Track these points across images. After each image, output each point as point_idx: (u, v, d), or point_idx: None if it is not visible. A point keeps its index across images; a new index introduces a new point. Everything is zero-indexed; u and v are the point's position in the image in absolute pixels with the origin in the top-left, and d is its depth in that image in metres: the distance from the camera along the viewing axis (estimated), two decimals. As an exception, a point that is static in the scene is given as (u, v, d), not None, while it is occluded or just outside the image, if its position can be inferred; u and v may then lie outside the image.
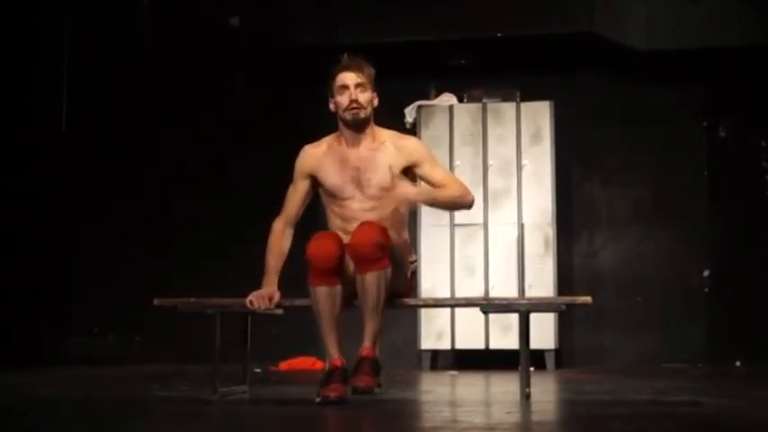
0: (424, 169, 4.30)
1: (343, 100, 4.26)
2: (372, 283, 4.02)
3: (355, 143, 4.30)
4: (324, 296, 4.08)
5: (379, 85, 4.37)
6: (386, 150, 4.29)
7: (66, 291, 8.00)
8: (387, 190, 4.27)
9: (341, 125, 4.32)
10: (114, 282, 7.93)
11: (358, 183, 4.28)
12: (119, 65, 8.21)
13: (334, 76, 4.29)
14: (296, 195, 4.40)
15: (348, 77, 4.27)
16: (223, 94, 8.14)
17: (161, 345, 7.80)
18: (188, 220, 7.97)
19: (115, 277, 7.95)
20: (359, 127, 4.28)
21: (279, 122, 7.85)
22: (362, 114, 4.25)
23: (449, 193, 4.26)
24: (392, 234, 4.18)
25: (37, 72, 7.94)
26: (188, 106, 8.08)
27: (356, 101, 4.24)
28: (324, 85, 4.38)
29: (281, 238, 4.34)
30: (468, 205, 4.32)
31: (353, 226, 4.23)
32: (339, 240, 4.10)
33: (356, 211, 4.28)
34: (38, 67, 7.94)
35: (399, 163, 4.28)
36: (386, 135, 4.36)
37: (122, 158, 8.16)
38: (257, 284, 4.29)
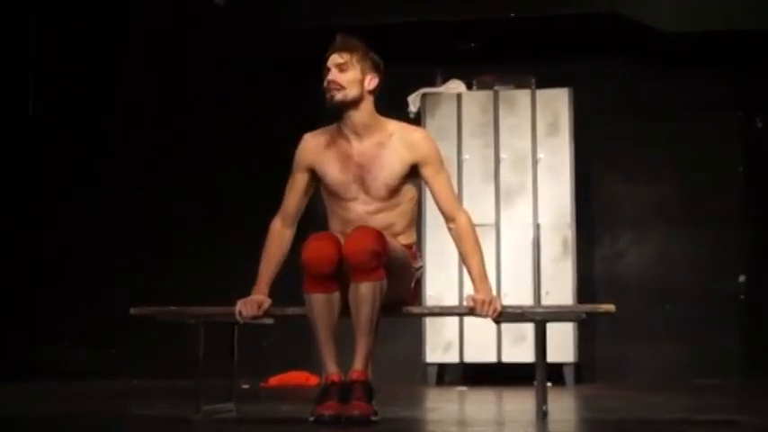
0: (428, 171, 4.27)
1: (324, 83, 4.24)
2: (366, 294, 3.98)
3: (356, 135, 4.26)
4: (320, 304, 4.05)
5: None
6: (392, 145, 4.26)
7: (34, 298, 7.99)
8: (394, 190, 4.25)
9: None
10: (87, 288, 7.92)
11: (362, 182, 4.24)
12: (93, 44, 8.18)
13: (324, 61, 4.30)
14: (294, 189, 4.36)
15: (330, 58, 4.25)
16: (213, 84, 8.11)
17: (139, 358, 7.79)
18: (169, 221, 7.96)
19: (88, 283, 7.94)
20: (342, 110, 4.23)
21: (275, 115, 7.83)
22: (338, 97, 4.19)
23: (478, 253, 4.23)
24: (392, 240, 4.15)
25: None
26: (171, 99, 8.06)
27: (332, 81, 4.21)
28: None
29: (277, 241, 4.31)
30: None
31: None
32: (337, 242, 4.06)
33: (360, 214, 4.25)
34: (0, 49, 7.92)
35: (407, 159, 4.25)
36: (393, 127, 4.32)
37: (95, 157, 8.14)
38: (245, 292, 4.27)
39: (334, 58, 4.23)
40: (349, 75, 4.22)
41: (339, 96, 4.20)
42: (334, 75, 4.21)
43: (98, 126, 8.15)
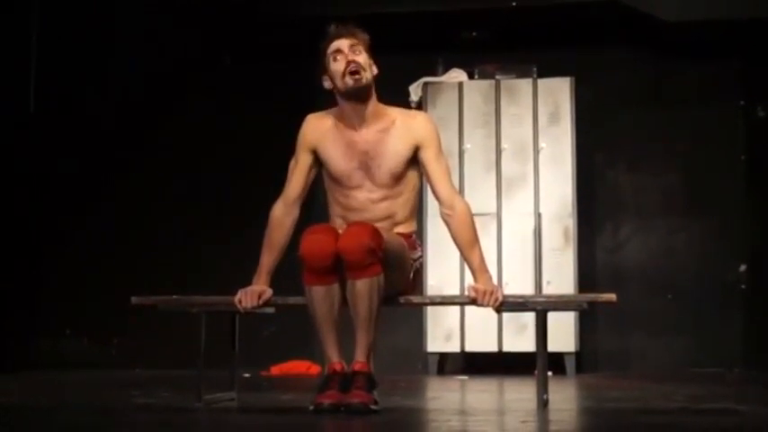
0: (427, 154, 4.26)
1: (338, 66, 4.19)
2: (363, 291, 3.99)
3: (361, 122, 4.25)
4: (320, 297, 4.06)
5: (381, 60, 4.33)
6: (396, 131, 4.26)
7: (35, 288, 7.99)
8: (398, 177, 4.25)
9: (341, 102, 4.26)
10: (89, 278, 7.92)
11: (367, 170, 4.24)
12: (94, 38, 8.18)
13: (325, 49, 4.24)
14: (298, 171, 4.33)
15: (341, 42, 4.21)
16: (211, 72, 8.11)
17: (140, 348, 7.79)
18: (169, 210, 7.96)
19: (89, 273, 7.94)
20: (361, 95, 4.21)
21: (273, 102, 7.83)
22: (364, 79, 4.18)
23: (478, 243, 4.24)
24: (389, 233, 4.16)
25: (1, 46, 7.91)
26: (171, 87, 8.05)
27: (354, 61, 4.18)
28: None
29: (278, 229, 4.28)
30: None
31: (356, 217, 4.22)
32: (335, 234, 4.05)
33: (363, 202, 4.26)
34: (1, 40, 7.91)
35: (410, 143, 4.25)
36: (395, 113, 4.32)
37: (95, 150, 8.12)
38: (246, 279, 4.28)
39: (347, 42, 4.20)
40: (364, 56, 4.21)
41: (364, 79, 4.18)
42: (353, 56, 4.19)
43: (97, 118, 8.14)
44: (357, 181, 4.26)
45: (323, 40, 4.26)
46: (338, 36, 4.23)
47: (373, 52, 4.27)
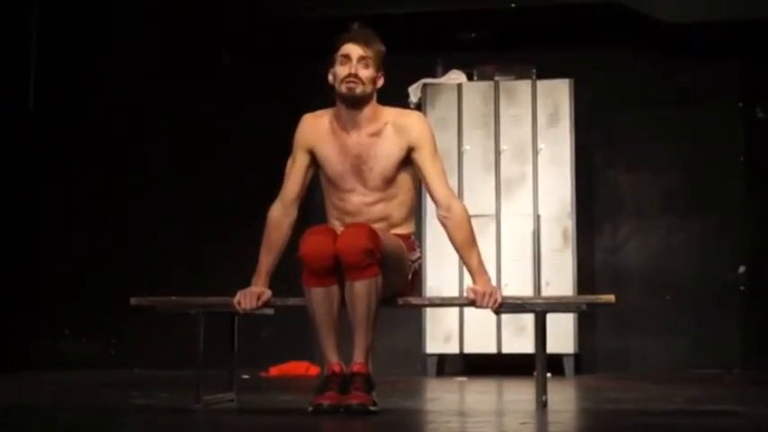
0: (422, 156, 4.26)
1: (341, 71, 4.21)
2: (361, 292, 4.00)
3: (354, 125, 4.26)
4: (320, 298, 4.07)
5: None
6: (387, 134, 4.26)
7: (35, 288, 8.00)
8: (390, 179, 4.25)
9: (338, 100, 4.29)
10: (89, 278, 7.92)
11: (359, 173, 4.25)
12: (94, 36, 8.18)
13: (338, 46, 4.26)
14: (295, 171, 4.33)
15: (352, 49, 4.22)
16: (211, 72, 8.11)
17: (140, 348, 7.79)
18: (169, 210, 7.97)
19: (90, 273, 7.94)
20: (354, 103, 4.23)
21: (273, 102, 7.83)
22: (358, 91, 4.20)
23: (476, 244, 4.24)
24: (387, 234, 4.16)
25: (1, 45, 7.91)
26: (171, 87, 8.05)
27: (355, 75, 4.19)
28: (323, 60, 4.35)
29: (276, 230, 4.29)
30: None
31: (352, 221, 4.22)
32: (335, 236, 4.07)
33: (357, 206, 4.26)
34: (1, 40, 7.91)
35: (402, 145, 4.25)
36: (388, 114, 4.32)
37: (94, 149, 8.12)
38: (245, 279, 4.28)
39: (358, 51, 4.21)
40: (369, 71, 4.22)
41: (358, 91, 4.19)
42: (357, 69, 4.20)
43: (97, 118, 8.14)
44: (350, 184, 4.27)
45: (339, 35, 4.28)
46: (353, 40, 4.24)
47: (384, 63, 4.28)
